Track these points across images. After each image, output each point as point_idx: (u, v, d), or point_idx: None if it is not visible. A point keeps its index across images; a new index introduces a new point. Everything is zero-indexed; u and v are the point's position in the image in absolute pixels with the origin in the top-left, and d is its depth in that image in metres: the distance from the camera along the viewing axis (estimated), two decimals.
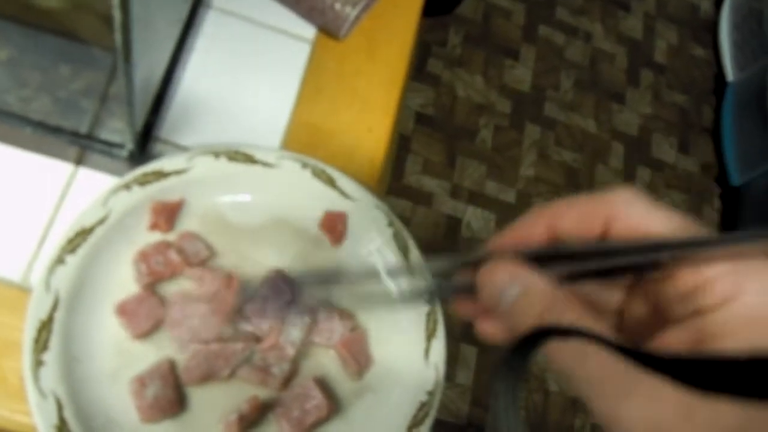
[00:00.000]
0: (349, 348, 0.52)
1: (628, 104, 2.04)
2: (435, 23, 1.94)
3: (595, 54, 2.08)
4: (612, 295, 0.33)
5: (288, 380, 0.50)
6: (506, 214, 1.78)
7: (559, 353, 0.28)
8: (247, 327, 0.50)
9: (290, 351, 0.50)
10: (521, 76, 1.97)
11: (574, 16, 2.10)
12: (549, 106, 1.96)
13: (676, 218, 0.29)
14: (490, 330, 0.34)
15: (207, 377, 0.49)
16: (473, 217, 1.75)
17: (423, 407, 0.52)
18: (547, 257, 0.31)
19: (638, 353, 0.25)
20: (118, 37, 0.38)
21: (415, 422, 0.51)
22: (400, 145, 1.76)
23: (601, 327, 0.28)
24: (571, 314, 0.28)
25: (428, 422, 0.52)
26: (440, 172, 1.77)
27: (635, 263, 0.30)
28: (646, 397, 0.26)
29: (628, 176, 1.94)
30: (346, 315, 0.53)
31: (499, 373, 0.26)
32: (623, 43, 2.13)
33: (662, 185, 1.96)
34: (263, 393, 0.49)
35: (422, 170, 1.75)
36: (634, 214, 0.30)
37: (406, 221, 1.77)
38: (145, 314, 0.48)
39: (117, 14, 0.36)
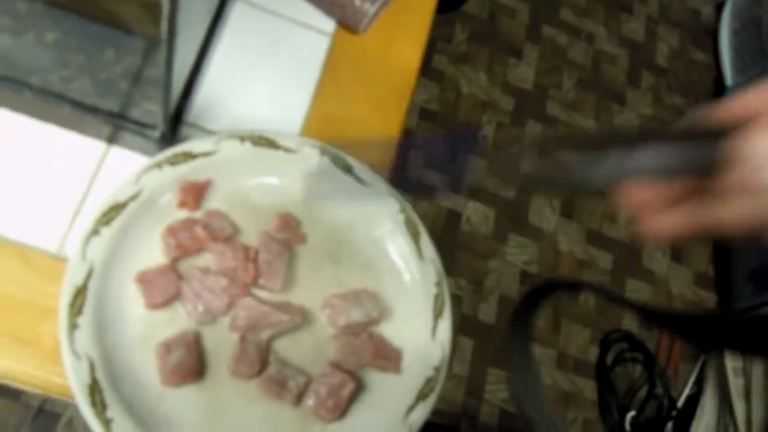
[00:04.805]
0: (380, 355, 0.55)
1: (629, 105, 2.08)
2: (441, 19, 1.97)
3: (597, 55, 2.12)
4: None
5: (302, 395, 0.53)
6: (506, 210, 1.81)
7: None
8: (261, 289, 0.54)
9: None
10: (524, 74, 2.00)
11: (578, 17, 2.14)
12: (551, 105, 1.99)
13: None
14: (666, 224, 0.30)
15: (249, 330, 0.52)
16: (473, 212, 1.78)
17: (429, 382, 0.55)
18: None
19: (649, 310, 0.27)
20: (164, 24, 0.41)
21: (422, 395, 0.55)
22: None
23: None
24: None
25: (434, 396, 0.55)
26: None
27: None
28: None
29: None
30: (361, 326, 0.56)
31: (510, 329, 0.29)
32: (625, 45, 2.16)
33: None
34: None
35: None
36: None
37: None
38: (162, 287, 0.51)
39: (165, 3, 0.39)
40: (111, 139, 0.57)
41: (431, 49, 1.93)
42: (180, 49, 0.48)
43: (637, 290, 1.82)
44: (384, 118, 0.66)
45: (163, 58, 0.44)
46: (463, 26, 1.99)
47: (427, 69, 1.90)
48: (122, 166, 0.57)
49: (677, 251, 1.92)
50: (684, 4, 2.28)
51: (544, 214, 1.85)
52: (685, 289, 1.86)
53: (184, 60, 0.54)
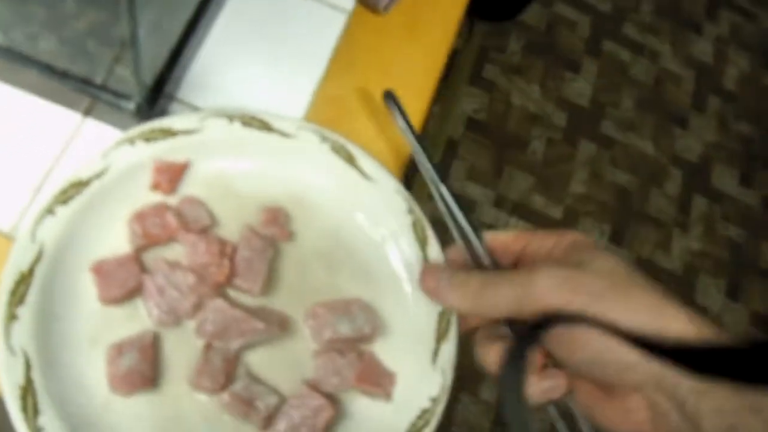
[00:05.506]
0: (367, 379, 0.47)
1: (691, 129, 1.96)
2: (495, 29, 1.89)
3: (661, 74, 2.00)
4: None
5: (271, 418, 0.45)
6: (551, 229, 1.71)
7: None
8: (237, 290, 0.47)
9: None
10: (581, 89, 1.90)
11: (642, 33, 2.02)
12: (607, 124, 1.89)
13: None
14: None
15: (218, 337, 0.45)
16: (516, 229, 1.69)
17: (424, 414, 0.47)
18: None
19: (643, 340, 0.28)
20: None
21: (414, 430, 0.47)
22: (448, 149, 1.71)
23: None
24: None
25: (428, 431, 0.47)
26: (486, 180, 1.72)
27: None
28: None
29: (683, 204, 1.85)
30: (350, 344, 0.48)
31: (506, 362, 0.27)
32: (692, 66, 2.04)
33: (720, 217, 1.87)
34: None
35: (467, 176, 1.70)
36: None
37: (444, 228, 1.72)
38: (121, 280, 0.44)
39: None
40: (88, 111, 0.50)
41: (483, 58, 1.85)
42: (153, 4, 0.42)
43: None
44: (403, 103, 0.58)
45: (125, 9, 0.38)
46: (518, 36, 1.90)
47: (477, 78, 1.82)
48: (97, 141, 0.50)
49: (733, 287, 1.78)
50: (757, 25, 2.15)
51: (592, 237, 1.74)
52: (740, 328, 1.72)
53: (164, 21, 0.47)
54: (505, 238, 0.45)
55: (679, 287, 1.74)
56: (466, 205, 0.45)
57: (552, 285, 0.38)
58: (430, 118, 1.72)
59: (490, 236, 0.46)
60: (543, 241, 0.43)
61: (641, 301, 0.37)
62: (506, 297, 0.39)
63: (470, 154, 1.73)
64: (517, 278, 0.39)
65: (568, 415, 0.40)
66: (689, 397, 0.34)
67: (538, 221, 1.70)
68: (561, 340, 0.39)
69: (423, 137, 0.50)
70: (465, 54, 1.82)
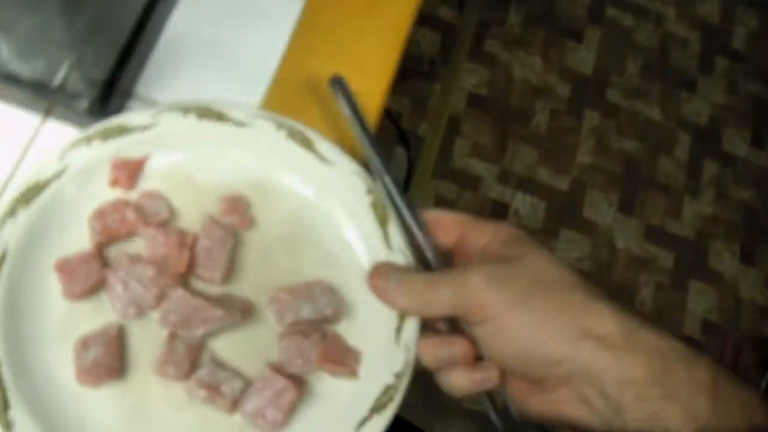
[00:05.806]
0: (329, 358, 0.48)
1: (699, 93, 1.93)
2: (495, 2, 1.87)
3: (667, 38, 1.97)
4: None
5: (237, 402, 0.46)
6: (558, 202, 1.70)
7: None
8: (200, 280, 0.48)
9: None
10: (584, 58, 1.88)
11: None
12: (612, 92, 1.87)
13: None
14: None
15: (181, 326, 0.46)
16: (522, 204, 1.68)
17: (388, 390, 0.48)
18: None
19: None
20: None
21: (379, 405, 0.47)
22: (450, 126, 1.71)
23: None
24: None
25: (393, 407, 0.47)
26: (490, 156, 1.71)
27: None
28: None
29: (693, 169, 1.83)
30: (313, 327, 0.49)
31: None
32: (697, 27, 2.00)
33: (731, 181, 1.84)
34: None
35: (471, 153, 1.70)
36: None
37: (450, 204, 1.71)
38: (83, 276, 0.45)
39: None
40: (48, 112, 0.52)
41: (483, 32, 1.84)
42: (94, 5, 0.43)
43: (700, 293, 1.68)
44: (362, 91, 0.58)
45: (58, 11, 0.38)
46: (517, 8, 1.88)
47: (477, 52, 1.81)
48: (57, 142, 0.51)
49: (747, 251, 1.76)
50: None
51: (600, 207, 1.73)
52: (755, 292, 1.70)
53: (111, 20, 0.48)
54: (447, 221, 0.47)
55: (692, 253, 1.72)
56: (410, 197, 0.48)
57: (482, 281, 0.40)
58: (431, 95, 1.71)
59: (433, 214, 0.47)
60: (481, 234, 0.45)
61: (566, 298, 0.39)
62: (445, 296, 0.42)
63: (473, 130, 1.72)
64: (453, 277, 0.42)
65: (501, 405, 0.43)
66: (613, 387, 0.37)
67: (545, 194, 1.70)
68: (490, 336, 0.41)
69: (369, 129, 0.50)
70: (463, 29, 1.81)
